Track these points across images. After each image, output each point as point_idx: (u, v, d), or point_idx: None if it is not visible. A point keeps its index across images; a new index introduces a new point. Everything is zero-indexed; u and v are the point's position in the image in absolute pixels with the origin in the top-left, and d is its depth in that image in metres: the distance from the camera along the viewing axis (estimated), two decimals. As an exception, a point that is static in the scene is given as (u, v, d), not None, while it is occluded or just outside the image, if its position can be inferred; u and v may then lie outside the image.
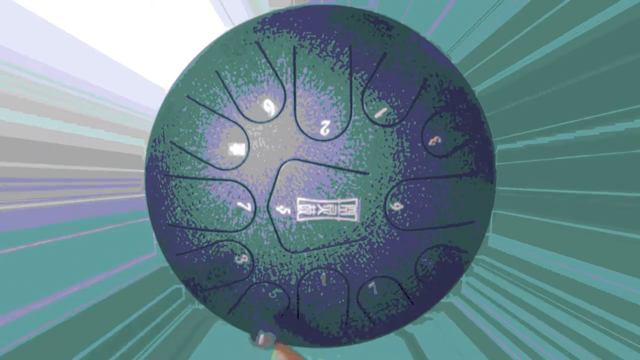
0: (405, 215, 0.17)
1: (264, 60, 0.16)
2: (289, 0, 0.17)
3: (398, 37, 0.17)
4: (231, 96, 0.17)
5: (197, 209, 0.17)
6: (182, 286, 0.19)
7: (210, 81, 0.17)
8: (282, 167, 0.17)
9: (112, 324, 0.17)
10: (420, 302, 0.19)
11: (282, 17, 0.16)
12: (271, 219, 0.17)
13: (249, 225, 0.17)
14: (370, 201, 0.17)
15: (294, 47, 0.16)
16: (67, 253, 0.15)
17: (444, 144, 0.17)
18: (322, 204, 0.17)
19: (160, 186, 0.17)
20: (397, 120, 0.17)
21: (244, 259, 0.18)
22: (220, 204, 0.17)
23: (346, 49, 0.16)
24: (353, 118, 0.17)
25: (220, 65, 0.16)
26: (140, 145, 0.17)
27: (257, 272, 0.18)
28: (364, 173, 0.17)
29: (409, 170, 0.17)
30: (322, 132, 0.17)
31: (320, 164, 0.17)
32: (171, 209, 0.17)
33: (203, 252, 0.18)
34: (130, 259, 0.18)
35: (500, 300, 0.18)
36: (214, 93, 0.17)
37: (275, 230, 0.17)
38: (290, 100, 0.17)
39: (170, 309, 0.19)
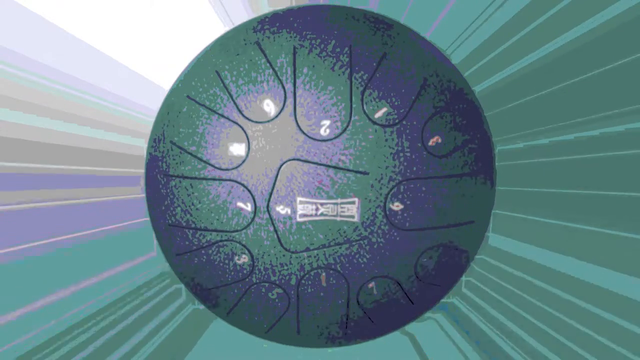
0: (405, 215, 0.17)
1: (264, 60, 0.16)
2: (289, 0, 0.17)
3: (398, 37, 0.17)
4: (231, 96, 0.17)
5: (197, 209, 0.17)
6: (182, 286, 0.19)
7: (210, 81, 0.17)
8: (282, 167, 0.17)
9: (112, 324, 0.17)
10: (420, 302, 0.19)
11: (282, 17, 0.16)
12: (271, 219, 0.17)
13: (249, 225, 0.17)
14: (370, 201, 0.17)
15: (294, 47, 0.16)
16: (67, 253, 0.15)
17: (444, 144, 0.17)
18: (322, 204, 0.17)
19: (160, 186, 0.17)
20: (397, 120, 0.17)
21: (244, 259, 0.18)
22: (220, 204, 0.17)
23: (346, 49, 0.16)
24: (353, 118, 0.17)
25: (220, 65, 0.16)
26: (140, 145, 0.17)
27: (257, 272, 0.18)
28: (364, 173, 0.17)
29: (409, 170, 0.17)
30: (322, 132, 0.17)
31: (320, 164, 0.17)
32: (171, 209, 0.17)
33: (203, 252, 0.18)
34: (130, 259, 0.18)
35: (500, 300, 0.18)
36: (214, 93, 0.17)
37: (275, 230, 0.17)
38: (290, 100, 0.17)
39: (170, 309, 0.19)
